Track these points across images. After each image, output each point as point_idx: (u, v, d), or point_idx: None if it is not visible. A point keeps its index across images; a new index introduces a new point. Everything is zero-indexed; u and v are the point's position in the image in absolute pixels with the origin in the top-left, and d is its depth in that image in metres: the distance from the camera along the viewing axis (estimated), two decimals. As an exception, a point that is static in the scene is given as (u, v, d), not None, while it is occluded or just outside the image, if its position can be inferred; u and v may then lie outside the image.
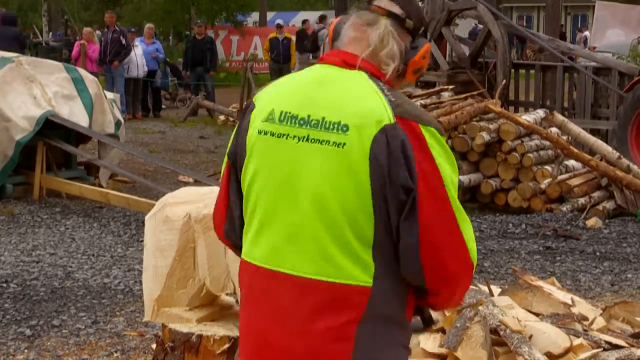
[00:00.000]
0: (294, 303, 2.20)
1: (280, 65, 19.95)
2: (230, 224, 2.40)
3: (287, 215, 2.22)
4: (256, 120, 2.29)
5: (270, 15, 44.23)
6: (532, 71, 15.19)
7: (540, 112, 10.30)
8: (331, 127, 2.19)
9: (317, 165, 2.19)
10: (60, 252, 7.38)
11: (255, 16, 40.54)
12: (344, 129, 2.17)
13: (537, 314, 4.65)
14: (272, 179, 2.25)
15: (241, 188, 2.33)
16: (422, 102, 10.09)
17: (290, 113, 2.25)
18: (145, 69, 17.96)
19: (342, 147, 2.17)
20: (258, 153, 2.27)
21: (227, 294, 3.15)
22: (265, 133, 2.26)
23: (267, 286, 2.25)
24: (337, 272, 2.18)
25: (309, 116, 2.22)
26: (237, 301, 3.13)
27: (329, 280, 2.18)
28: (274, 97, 2.31)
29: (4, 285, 6.40)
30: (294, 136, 2.22)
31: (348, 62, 2.27)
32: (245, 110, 2.37)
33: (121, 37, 17.19)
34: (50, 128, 9.42)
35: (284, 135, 2.24)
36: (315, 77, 2.30)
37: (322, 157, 2.18)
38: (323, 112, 2.21)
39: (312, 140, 2.20)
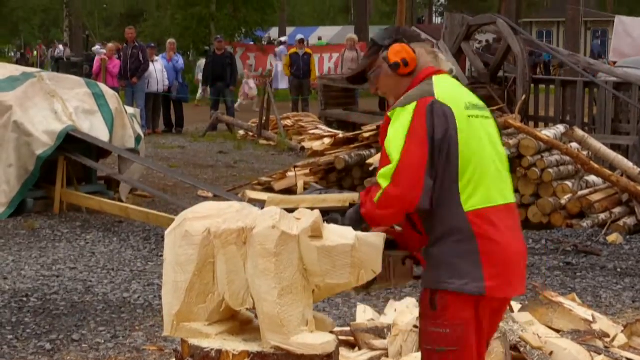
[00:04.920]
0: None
1: (300, 80, 19.98)
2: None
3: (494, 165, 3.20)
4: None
5: (289, 30, 44.43)
6: (552, 86, 15.14)
7: (561, 128, 10.27)
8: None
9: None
10: (80, 267, 7.41)
11: (274, 32, 40.71)
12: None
13: (557, 331, 4.63)
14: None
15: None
16: (442, 117, 10.07)
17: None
18: (166, 82, 18.04)
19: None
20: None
21: (246, 309, 3.14)
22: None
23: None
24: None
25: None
26: (255, 316, 3.13)
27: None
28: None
29: (25, 299, 6.43)
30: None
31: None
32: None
33: (140, 53, 17.28)
34: (71, 143, 9.47)
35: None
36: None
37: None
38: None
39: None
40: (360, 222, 3.15)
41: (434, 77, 3.22)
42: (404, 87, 3.23)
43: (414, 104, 3.10)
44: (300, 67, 20.01)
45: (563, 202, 9.05)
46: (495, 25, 14.97)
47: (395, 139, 3.08)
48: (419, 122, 3.07)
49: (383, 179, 3.06)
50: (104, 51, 18.51)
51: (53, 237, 8.48)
